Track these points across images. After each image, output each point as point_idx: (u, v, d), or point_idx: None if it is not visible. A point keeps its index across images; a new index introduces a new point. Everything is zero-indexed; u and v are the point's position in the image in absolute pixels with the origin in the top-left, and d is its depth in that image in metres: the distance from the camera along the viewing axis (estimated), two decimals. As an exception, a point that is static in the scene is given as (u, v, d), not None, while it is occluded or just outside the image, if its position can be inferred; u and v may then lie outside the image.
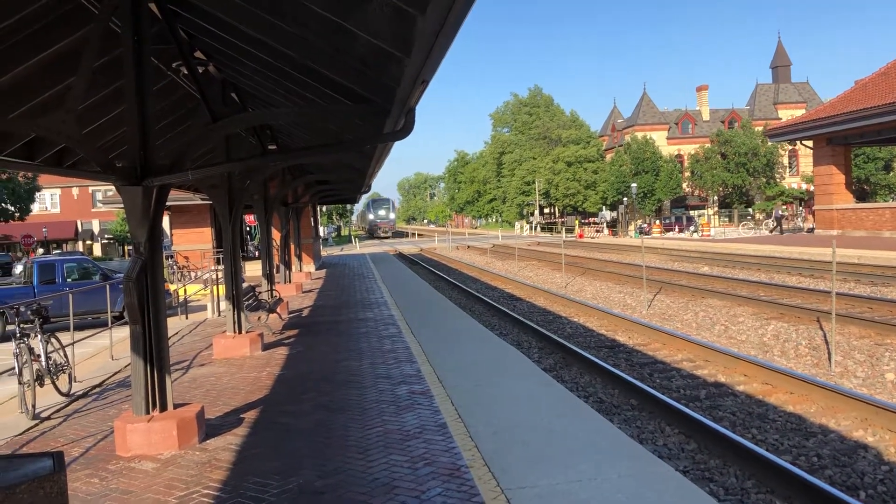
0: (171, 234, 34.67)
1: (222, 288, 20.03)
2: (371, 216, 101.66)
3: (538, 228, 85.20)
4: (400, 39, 4.81)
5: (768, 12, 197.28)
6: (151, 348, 7.02)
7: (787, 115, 70.76)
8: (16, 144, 9.29)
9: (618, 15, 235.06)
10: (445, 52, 4.82)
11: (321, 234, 59.29)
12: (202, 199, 30.24)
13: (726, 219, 71.34)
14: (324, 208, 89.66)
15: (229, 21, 7.66)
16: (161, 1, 7.74)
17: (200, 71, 9.29)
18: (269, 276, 17.52)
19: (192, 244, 33.88)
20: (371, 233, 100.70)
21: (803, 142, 42.07)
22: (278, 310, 15.73)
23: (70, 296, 11.58)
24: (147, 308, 7.00)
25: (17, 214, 51.41)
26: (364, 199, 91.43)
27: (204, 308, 20.37)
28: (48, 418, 8.65)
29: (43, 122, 6.49)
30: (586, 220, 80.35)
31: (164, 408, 7.13)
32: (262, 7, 6.46)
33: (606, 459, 6.06)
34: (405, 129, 7.05)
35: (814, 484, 6.37)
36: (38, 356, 9.15)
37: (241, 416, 8.17)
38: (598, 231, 71.14)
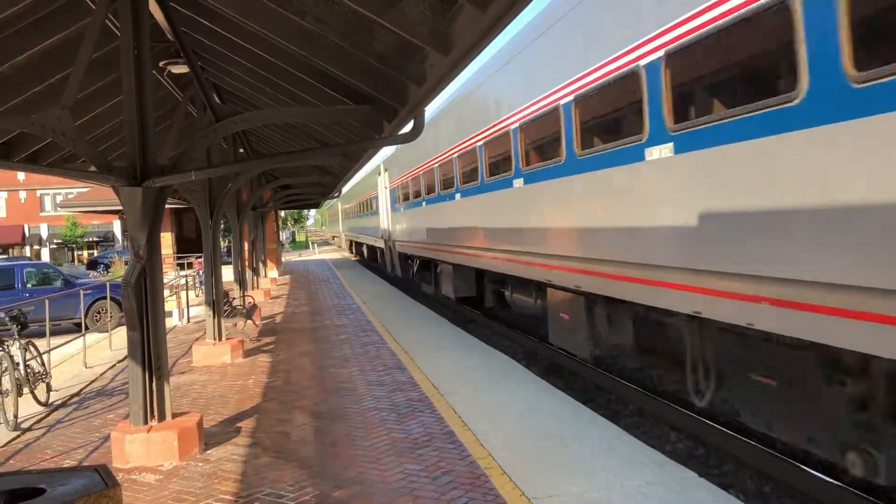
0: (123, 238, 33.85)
1: (192, 294, 19.64)
2: None
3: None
4: (438, 35, 4.68)
5: None
6: (150, 355, 6.74)
7: None
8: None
9: None
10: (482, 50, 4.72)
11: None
12: (163, 203, 29.57)
13: None
14: (281, 213, 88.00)
15: (225, 14, 7.44)
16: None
17: (196, 69, 9.03)
18: (242, 282, 17.15)
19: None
20: None
21: None
22: (253, 316, 15.39)
23: (46, 301, 11.09)
24: (146, 314, 6.73)
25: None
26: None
27: (169, 314, 19.84)
28: (30, 429, 8.27)
29: (38, 118, 6.17)
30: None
31: (162, 417, 6.85)
32: None
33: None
34: (415, 131, 6.92)
35: None
36: (18, 364, 8.74)
37: (237, 425, 7.92)
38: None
